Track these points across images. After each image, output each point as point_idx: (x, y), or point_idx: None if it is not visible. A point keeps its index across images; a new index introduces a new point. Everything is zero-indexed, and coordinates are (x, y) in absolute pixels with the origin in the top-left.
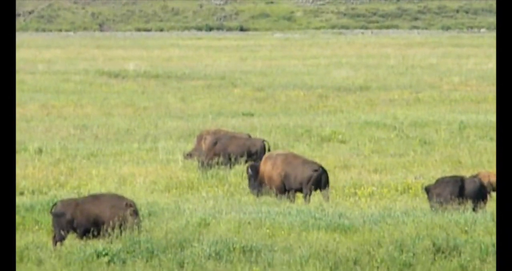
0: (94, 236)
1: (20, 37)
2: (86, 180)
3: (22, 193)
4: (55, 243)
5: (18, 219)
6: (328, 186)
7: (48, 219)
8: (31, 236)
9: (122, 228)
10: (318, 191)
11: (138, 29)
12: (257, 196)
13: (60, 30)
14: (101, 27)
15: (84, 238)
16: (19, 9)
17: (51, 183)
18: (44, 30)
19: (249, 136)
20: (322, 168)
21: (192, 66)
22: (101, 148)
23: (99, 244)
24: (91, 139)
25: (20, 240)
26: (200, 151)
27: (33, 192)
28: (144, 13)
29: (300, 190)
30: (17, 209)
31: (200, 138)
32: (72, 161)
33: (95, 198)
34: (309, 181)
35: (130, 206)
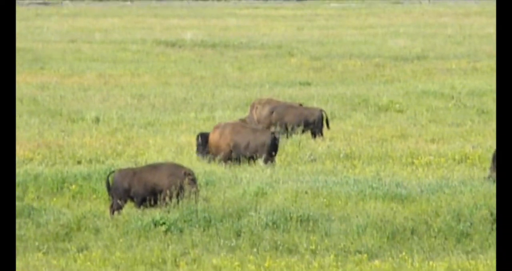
0: (151, 205)
1: (77, 7)
2: (143, 149)
3: (79, 162)
4: (112, 212)
5: (75, 188)
6: (276, 152)
7: (105, 188)
8: (89, 205)
9: (179, 197)
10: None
11: None
12: (203, 159)
13: None
14: None
15: (142, 207)
16: None
17: (108, 152)
18: None
19: (300, 105)
20: (273, 134)
21: (249, 36)
22: (158, 117)
23: (156, 213)
24: (148, 108)
25: (78, 209)
26: (251, 120)
27: (90, 161)
28: None
29: (252, 157)
30: (74, 178)
31: (252, 107)
32: (129, 130)
33: (153, 167)
34: (262, 146)
35: (189, 174)
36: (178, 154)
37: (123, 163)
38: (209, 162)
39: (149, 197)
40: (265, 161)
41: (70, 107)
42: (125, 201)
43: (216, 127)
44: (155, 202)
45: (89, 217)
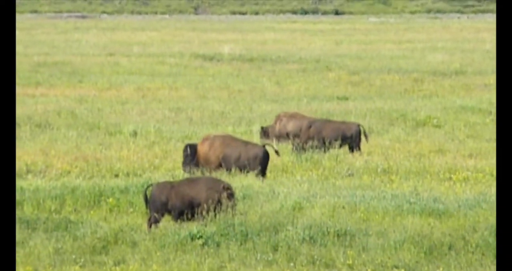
0: (188, 219)
1: (116, 20)
2: (180, 163)
3: (117, 175)
4: (149, 225)
5: (112, 201)
6: (266, 167)
7: (142, 201)
8: (126, 218)
9: (216, 210)
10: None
11: (233, 12)
12: (189, 173)
13: (156, 13)
14: (196, 10)
15: (179, 220)
16: None
17: (146, 165)
18: (139, 12)
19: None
20: (265, 149)
21: (287, 50)
22: (196, 130)
23: (193, 226)
24: (185, 122)
25: (115, 222)
26: (274, 132)
27: (127, 174)
28: None
29: (241, 170)
30: (111, 191)
31: (277, 119)
32: (166, 143)
33: (191, 180)
34: (254, 161)
35: (227, 188)
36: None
37: (160, 176)
38: (193, 173)
39: (186, 210)
40: (257, 175)
41: (108, 121)
42: (163, 215)
43: (206, 139)
44: (192, 216)
45: (126, 230)
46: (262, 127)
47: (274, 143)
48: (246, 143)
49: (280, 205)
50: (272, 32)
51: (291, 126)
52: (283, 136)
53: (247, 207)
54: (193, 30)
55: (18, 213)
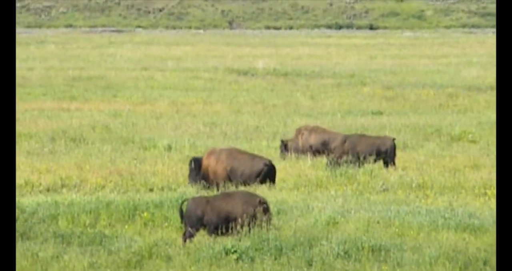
0: (222, 233)
1: (150, 34)
2: None
3: (151, 190)
4: (184, 239)
5: (147, 215)
6: (274, 181)
7: (177, 216)
8: (160, 232)
9: (251, 225)
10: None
11: (268, 27)
12: (195, 185)
13: (190, 28)
14: (230, 24)
15: (213, 235)
16: (149, 6)
17: (180, 180)
18: (174, 27)
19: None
20: (271, 162)
21: (321, 65)
22: (230, 145)
23: (227, 241)
24: (220, 136)
25: (149, 237)
26: (296, 144)
27: (162, 189)
28: (273, 11)
29: (246, 183)
30: (146, 205)
31: (298, 132)
32: None
33: (227, 195)
34: (259, 175)
35: (263, 203)
36: None
37: (195, 191)
38: (203, 187)
39: (222, 225)
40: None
41: (142, 135)
42: (198, 229)
43: (211, 152)
44: (227, 230)
45: (160, 245)
46: (282, 141)
47: (293, 156)
48: (253, 156)
49: (315, 220)
50: (306, 47)
51: (312, 140)
52: (304, 150)
53: (282, 222)
54: (227, 45)
55: (52, 227)
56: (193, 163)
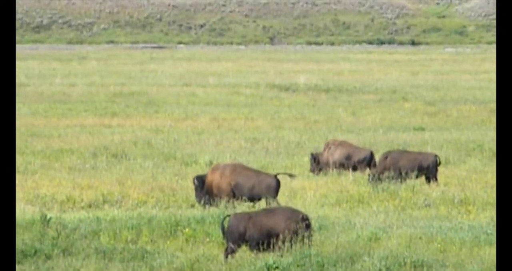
0: (264, 249)
1: (192, 50)
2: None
3: (193, 206)
4: (226, 255)
5: (189, 231)
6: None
7: (218, 232)
8: (202, 248)
9: (293, 241)
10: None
11: (309, 43)
12: (203, 205)
13: (231, 43)
14: (272, 40)
15: (255, 250)
16: (190, 22)
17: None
18: (215, 43)
19: (371, 152)
20: (277, 178)
21: (363, 80)
22: (272, 161)
23: (269, 257)
24: (261, 152)
25: (191, 253)
26: (325, 158)
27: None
28: (315, 27)
29: (252, 199)
30: (188, 221)
31: (326, 146)
32: None
33: (269, 211)
34: (269, 188)
35: (305, 219)
36: (292, 197)
37: (237, 207)
38: (208, 205)
39: (263, 241)
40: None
41: (184, 151)
42: (240, 245)
43: (215, 168)
44: (269, 246)
45: (202, 261)
46: (312, 154)
47: (331, 170)
48: (258, 173)
49: (356, 236)
50: (348, 62)
51: (337, 154)
52: (329, 163)
53: (323, 238)
54: (268, 61)
55: (94, 243)
56: (195, 181)
